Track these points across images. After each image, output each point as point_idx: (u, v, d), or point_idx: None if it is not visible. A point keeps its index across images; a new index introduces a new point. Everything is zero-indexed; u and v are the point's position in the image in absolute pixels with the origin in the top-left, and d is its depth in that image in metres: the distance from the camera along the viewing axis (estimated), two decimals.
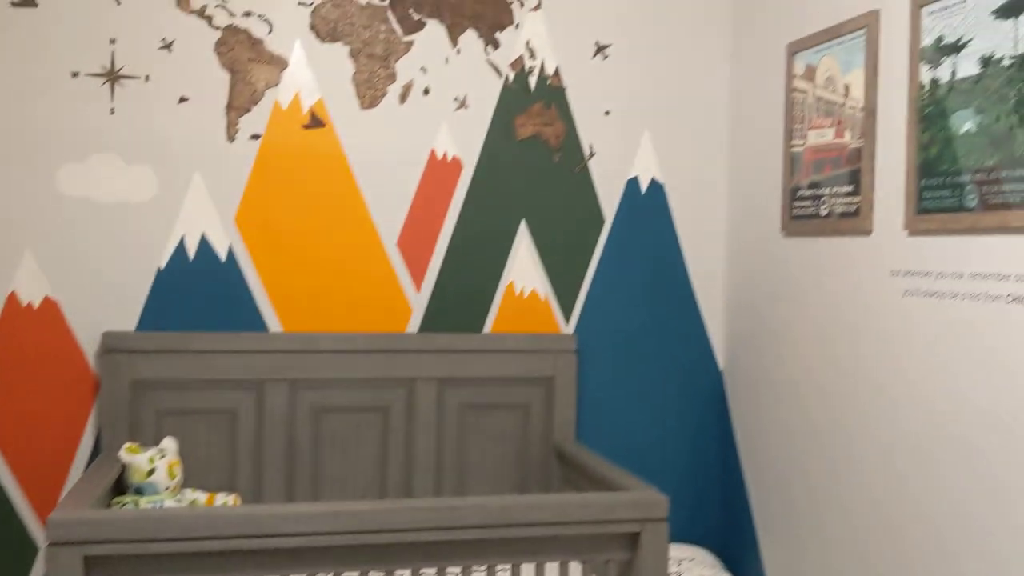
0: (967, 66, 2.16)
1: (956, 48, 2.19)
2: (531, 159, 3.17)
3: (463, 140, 3.12)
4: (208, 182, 2.94)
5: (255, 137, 2.97)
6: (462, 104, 3.12)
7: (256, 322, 2.99)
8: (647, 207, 3.27)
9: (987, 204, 2.09)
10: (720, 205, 3.34)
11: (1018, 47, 2.00)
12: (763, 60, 3.09)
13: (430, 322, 3.11)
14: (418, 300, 3.11)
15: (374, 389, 3.02)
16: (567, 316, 3.22)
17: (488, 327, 3.17)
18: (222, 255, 2.97)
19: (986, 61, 2.10)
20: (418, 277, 3.10)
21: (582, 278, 3.23)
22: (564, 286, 3.21)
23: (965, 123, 2.16)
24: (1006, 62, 2.04)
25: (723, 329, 3.35)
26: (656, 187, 3.28)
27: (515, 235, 3.17)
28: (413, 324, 3.11)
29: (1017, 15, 2.00)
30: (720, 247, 3.35)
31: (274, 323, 3.01)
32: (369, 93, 3.04)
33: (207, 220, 2.95)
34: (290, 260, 3.01)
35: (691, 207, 3.31)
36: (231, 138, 2.95)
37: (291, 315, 3.01)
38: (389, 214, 3.07)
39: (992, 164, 2.08)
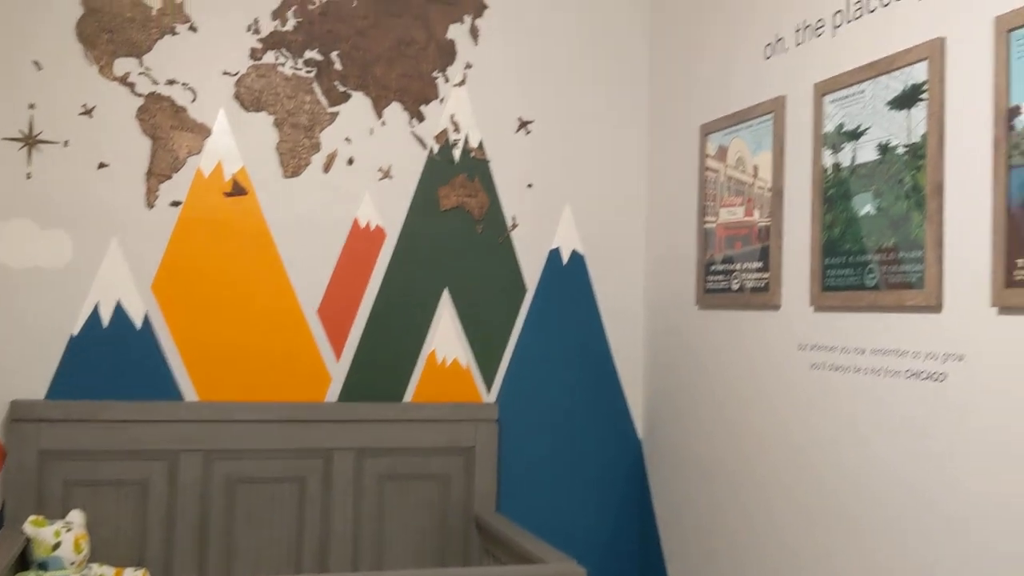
0: (866, 152, 2.28)
1: (856, 135, 2.31)
2: (454, 229, 3.21)
3: (386, 210, 3.15)
4: (125, 248, 2.91)
5: (175, 204, 2.95)
6: (386, 174, 3.15)
7: (171, 391, 2.93)
8: (568, 278, 3.33)
9: (887, 283, 2.20)
10: (639, 277, 3.42)
11: (911, 136, 2.13)
12: (678, 140, 3.20)
13: (350, 391, 3.10)
14: (338, 369, 3.09)
15: (291, 459, 2.98)
16: (488, 385, 3.24)
17: (409, 396, 3.16)
18: (137, 322, 2.92)
19: (883, 148, 2.22)
20: (338, 346, 3.09)
21: (504, 347, 3.25)
22: (486, 355, 3.24)
23: (865, 206, 2.28)
24: (900, 150, 2.16)
25: (642, 399, 3.40)
26: (577, 258, 3.35)
27: (438, 304, 3.19)
28: (332, 393, 3.08)
29: (910, 107, 2.13)
30: (639, 318, 3.42)
31: (189, 392, 2.95)
32: (293, 162, 3.06)
33: (123, 286, 2.90)
34: (208, 328, 2.97)
35: (611, 278, 3.38)
36: (150, 204, 2.93)
37: (207, 384, 2.97)
38: (310, 282, 3.07)
39: (890, 245, 2.18)
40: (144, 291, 2.92)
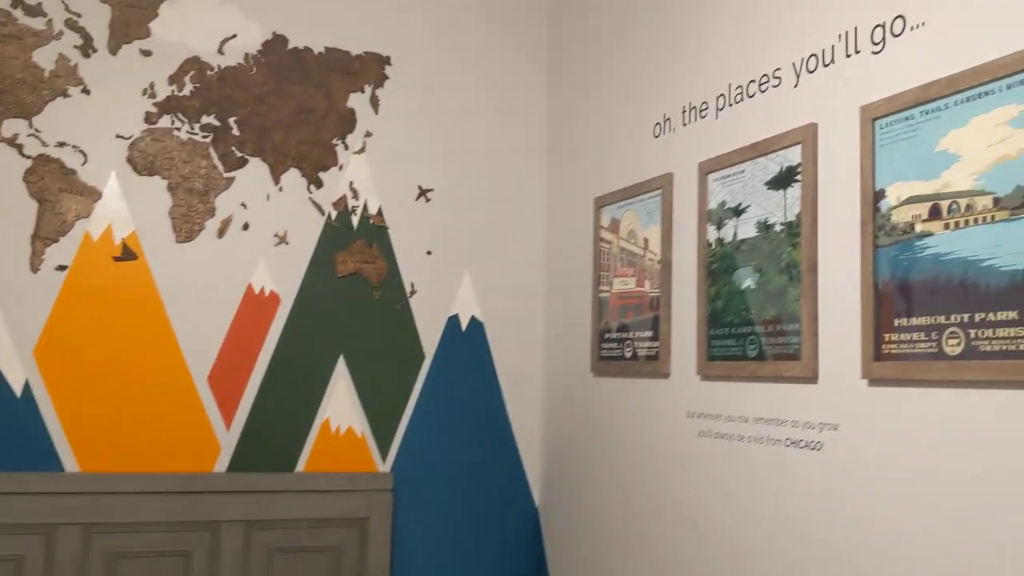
0: (747, 229, 2.38)
1: (737, 212, 2.42)
2: (351, 295, 3.20)
3: (282, 275, 3.13)
4: (6, 313, 2.80)
5: (61, 268, 2.87)
6: (282, 240, 3.14)
7: (50, 461, 2.81)
8: (467, 345, 3.35)
9: (767, 354, 2.28)
10: (537, 344, 3.47)
11: (788, 215, 2.23)
12: (574, 211, 3.29)
13: (240, 461, 3.02)
14: (228, 438, 3.02)
15: (175, 533, 2.88)
16: (384, 454, 3.21)
17: (301, 466, 3.10)
18: (17, 389, 2.80)
19: (762, 225, 2.32)
20: (228, 414, 3.02)
21: (400, 415, 3.24)
22: (382, 423, 3.21)
23: (746, 279, 2.37)
24: (778, 228, 2.27)
25: (539, 466, 3.42)
26: (476, 325, 3.37)
27: (333, 371, 3.16)
28: (221, 463, 3.00)
29: (786, 187, 2.24)
30: (537, 385, 3.45)
31: (70, 462, 2.84)
32: (186, 227, 3.02)
33: (3, 352, 2.79)
34: (92, 395, 2.87)
35: (510, 345, 3.41)
36: (35, 268, 2.84)
37: (89, 454, 2.86)
38: (201, 348, 3.01)
39: (770, 317, 2.28)
40: (25, 357, 2.82)
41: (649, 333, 2.80)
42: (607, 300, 3.04)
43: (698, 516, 2.51)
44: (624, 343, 2.92)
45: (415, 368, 3.27)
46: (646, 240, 2.84)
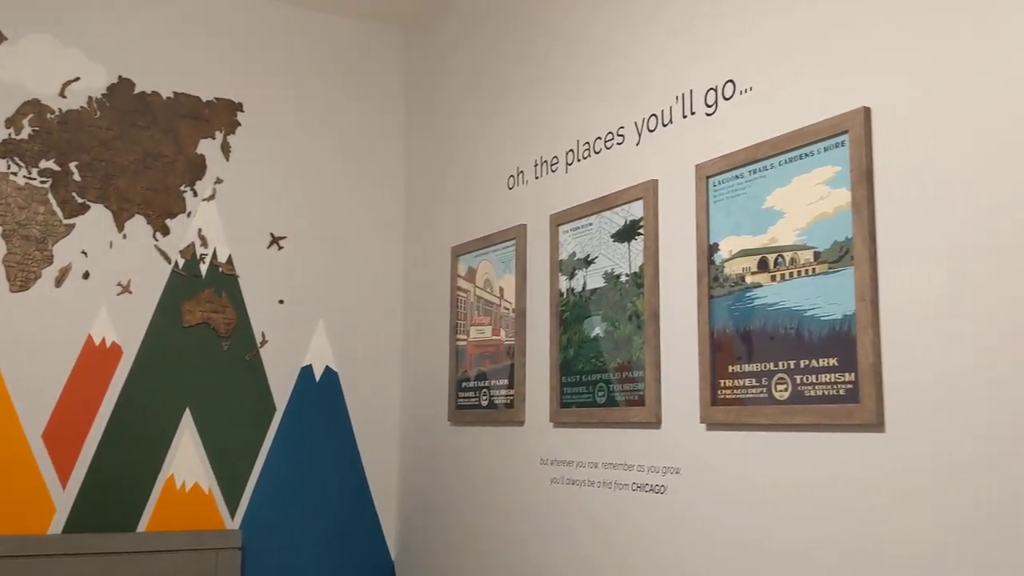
0: (595, 279, 2.46)
1: (587, 263, 2.50)
2: (199, 346, 3.11)
3: (124, 325, 3.01)
4: None
5: None
6: (125, 289, 3.02)
7: None
8: (321, 396, 3.29)
9: (614, 400, 2.35)
10: (394, 394, 3.44)
11: (632, 266, 2.32)
12: (431, 259, 3.31)
13: (77, 521, 2.86)
14: (64, 498, 2.85)
15: None
16: (232, 511, 3.10)
17: (143, 525, 2.96)
18: None
19: (609, 276, 2.41)
20: (64, 472, 2.86)
21: (250, 470, 3.14)
22: (230, 479, 3.11)
23: (595, 328, 2.44)
24: (624, 278, 2.35)
25: (396, 518, 3.38)
26: (330, 375, 3.32)
27: (178, 425, 3.05)
28: (56, 524, 2.83)
29: (630, 240, 2.34)
30: (393, 436, 3.42)
31: None
32: (21, 275, 2.87)
33: None
34: None
35: (366, 396, 3.38)
36: None
37: None
38: (35, 403, 2.85)
39: (616, 365, 2.35)
40: None
41: (505, 381, 2.83)
42: (464, 349, 3.06)
43: (546, 563, 2.53)
44: (481, 391, 2.95)
45: (266, 420, 3.19)
46: (501, 289, 2.89)
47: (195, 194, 3.17)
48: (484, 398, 2.93)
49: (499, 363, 2.87)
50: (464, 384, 3.04)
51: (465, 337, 3.06)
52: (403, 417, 3.42)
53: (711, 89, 2.14)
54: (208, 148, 3.21)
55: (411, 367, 3.41)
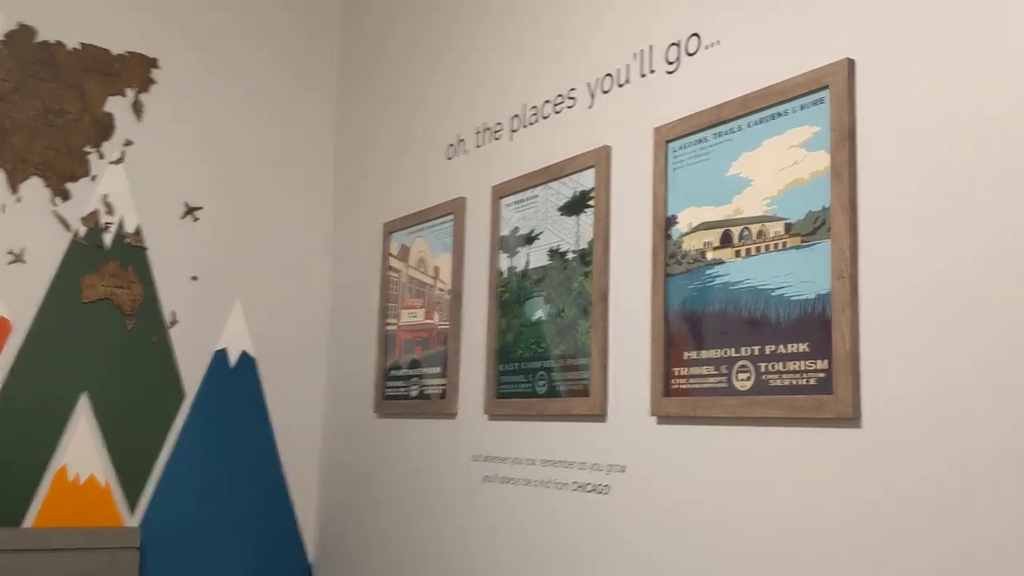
0: (539, 257, 2.23)
1: (530, 239, 2.26)
2: (99, 324, 2.80)
3: (15, 299, 2.70)
4: None
5: None
6: (18, 258, 2.71)
7: None
8: (236, 382, 3.01)
9: (555, 391, 2.12)
10: (317, 383, 3.17)
11: (580, 243, 2.09)
12: (362, 237, 3.05)
13: None
14: None
15: None
16: (132, 506, 2.80)
17: (30, 521, 2.65)
18: None
19: (554, 253, 2.18)
20: None
21: (153, 462, 2.85)
22: (131, 471, 2.81)
23: (537, 311, 2.21)
24: (570, 256, 2.12)
25: (315, 517, 3.11)
26: (247, 361, 3.04)
27: (73, 411, 2.74)
28: None
29: (578, 213, 2.11)
30: (315, 427, 3.15)
31: None
32: None
33: None
34: None
35: (286, 384, 3.10)
36: None
37: None
38: None
39: (560, 352, 2.12)
40: None
41: (437, 369, 2.58)
42: (394, 334, 2.81)
43: (475, 569, 2.29)
44: (411, 381, 2.70)
45: (173, 408, 2.89)
46: (436, 269, 2.64)
47: (101, 156, 2.87)
48: (414, 388, 2.68)
49: (431, 349, 2.63)
50: (393, 373, 2.79)
51: (395, 321, 2.81)
52: (326, 408, 3.15)
53: (673, 44, 1.92)
54: (117, 106, 2.91)
55: (336, 353, 3.14)
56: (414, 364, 2.70)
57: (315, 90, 3.25)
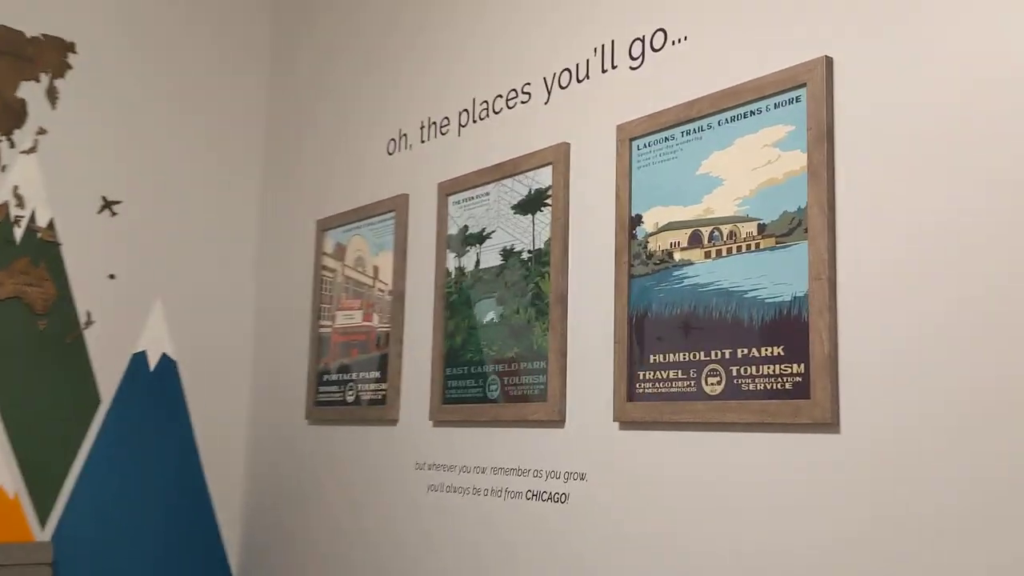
0: (490, 257, 2.15)
1: (480, 238, 2.18)
2: (8, 325, 2.60)
3: None
4: None
5: None
6: None
7: None
8: (156, 387, 2.84)
9: (508, 396, 2.04)
10: (243, 388, 3.02)
11: (536, 242, 2.03)
12: (293, 235, 2.91)
13: None
14: None
15: None
16: (43, 520, 2.60)
17: None
18: None
19: (507, 253, 2.10)
20: None
21: (66, 472, 2.65)
22: (42, 482, 2.61)
23: (488, 313, 2.13)
24: (525, 256, 2.05)
25: (239, 531, 2.95)
26: (168, 364, 2.87)
27: None
28: None
29: (534, 212, 2.04)
30: (241, 436, 3.00)
31: None
32: None
33: None
34: None
35: (209, 389, 2.94)
36: None
37: None
38: None
39: (513, 355, 2.04)
40: None
41: (376, 374, 2.48)
42: (328, 337, 2.69)
43: None
44: (346, 385, 2.58)
45: (87, 414, 2.71)
46: (376, 268, 2.54)
47: (12, 145, 2.66)
48: (350, 393, 2.56)
49: (370, 353, 2.52)
50: (327, 377, 2.66)
51: (330, 323, 2.69)
52: (253, 414, 3.00)
53: (637, 39, 1.87)
54: (30, 92, 2.71)
55: (264, 357, 3.00)
56: (350, 368, 2.59)
57: (244, 78, 3.10)
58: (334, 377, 2.64)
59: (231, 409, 2.98)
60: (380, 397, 2.45)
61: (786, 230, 1.55)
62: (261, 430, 2.95)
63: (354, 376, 2.56)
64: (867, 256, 1.43)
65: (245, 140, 3.08)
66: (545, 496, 1.93)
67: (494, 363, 2.09)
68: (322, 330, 2.72)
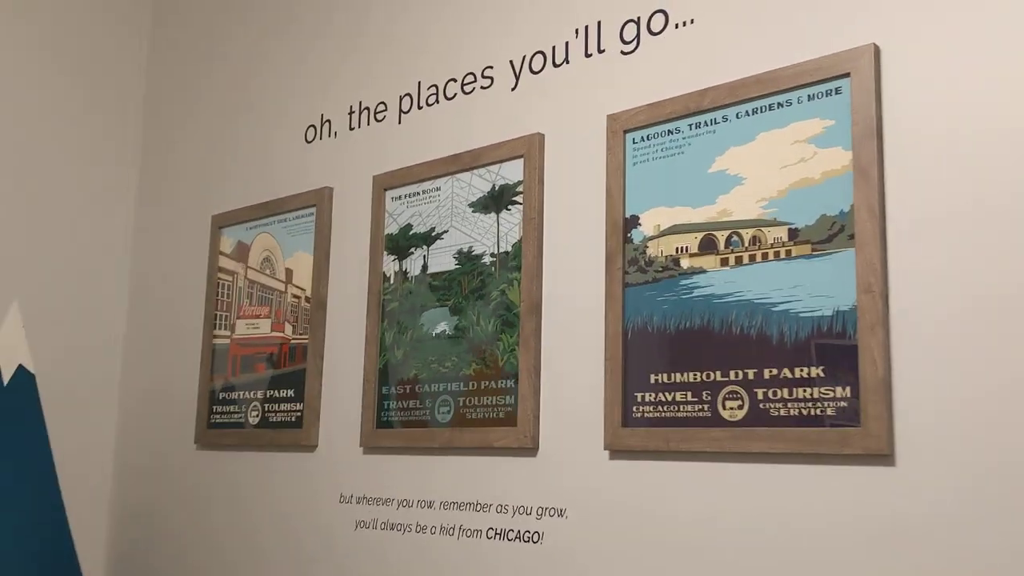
0: (442, 260, 1.89)
1: (428, 239, 1.92)
2: None
3: None
4: None
5: None
6: None
7: None
8: (9, 404, 2.40)
9: (464, 419, 1.78)
10: (113, 406, 2.61)
11: (503, 243, 1.78)
12: (181, 232, 2.53)
13: None
14: None
15: None
16: None
17: None
18: None
19: (464, 256, 1.85)
20: None
21: None
22: None
23: (439, 323, 1.86)
24: (488, 259, 1.80)
25: (105, 573, 2.53)
26: (24, 378, 2.44)
27: None
28: None
29: (500, 210, 1.80)
30: (109, 462, 2.58)
31: None
32: None
33: None
34: None
35: (73, 407, 2.52)
36: None
37: None
38: None
39: (472, 372, 1.79)
40: None
41: (290, 392, 2.15)
42: (225, 349, 2.33)
43: None
44: (248, 405, 2.24)
45: None
46: (289, 271, 2.22)
47: None
48: (253, 414, 2.23)
49: (281, 368, 2.19)
50: (223, 395, 2.31)
51: (227, 334, 2.34)
52: (126, 437, 2.59)
53: (630, 21, 1.67)
54: None
55: (141, 371, 2.59)
56: (247, 386, 2.25)
57: (120, 46, 2.69)
58: (233, 396, 2.29)
59: (98, 430, 2.57)
60: (294, 419, 2.13)
61: (825, 236, 1.38)
62: (137, 457, 2.54)
63: (259, 395, 2.22)
64: (923, 266, 1.28)
65: (120, 121, 2.68)
66: (512, 535, 1.68)
67: (447, 381, 1.83)
68: (217, 341, 2.36)
